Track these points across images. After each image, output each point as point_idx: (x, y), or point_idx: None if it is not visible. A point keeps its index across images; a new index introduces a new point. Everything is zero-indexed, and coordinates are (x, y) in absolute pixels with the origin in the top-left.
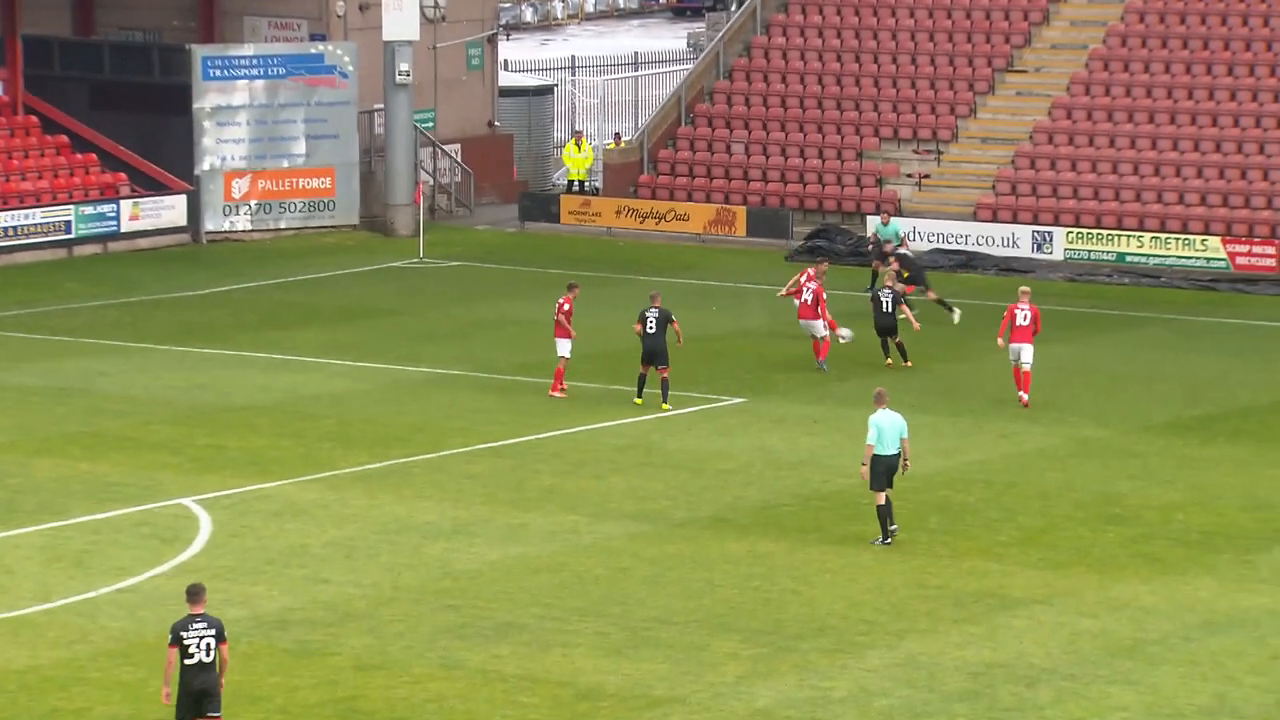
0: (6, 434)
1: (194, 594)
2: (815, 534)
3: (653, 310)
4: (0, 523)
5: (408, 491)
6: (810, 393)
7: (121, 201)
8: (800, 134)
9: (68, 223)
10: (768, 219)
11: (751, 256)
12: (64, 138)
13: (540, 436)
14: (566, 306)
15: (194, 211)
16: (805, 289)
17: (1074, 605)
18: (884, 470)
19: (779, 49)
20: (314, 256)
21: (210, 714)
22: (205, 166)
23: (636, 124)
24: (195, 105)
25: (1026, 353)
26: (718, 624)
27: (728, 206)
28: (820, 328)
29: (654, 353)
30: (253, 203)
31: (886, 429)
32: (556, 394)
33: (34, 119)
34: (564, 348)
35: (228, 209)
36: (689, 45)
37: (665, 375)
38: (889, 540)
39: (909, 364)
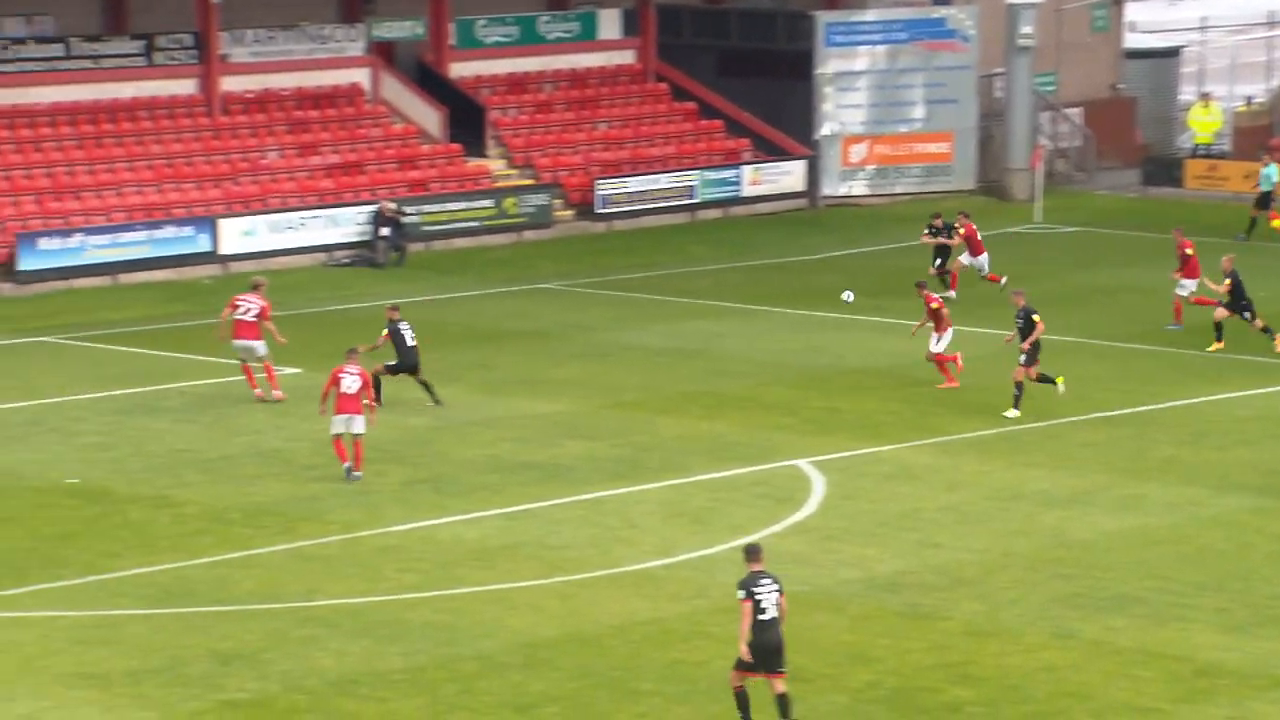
0: (633, 392)
1: (753, 552)
2: None
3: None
4: (626, 478)
5: (1020, 458)
6: None
7: (744, 167)
8: None
9: (692, 187)
10: None
11: None
12: (691, 104)
13: (1159, 406)
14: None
15: (812, 176)
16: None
17: None
18: None
19: None
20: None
21: (779, 671)
22: (825, 132)
23: (1269, 85)
24: (817, 71)
25: None
26: None
27: None
28: None
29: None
30: (870, 168)
31: None
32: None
33: (664, 86)
34: (944, 342)
35: (845, 174)
36: None
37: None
38: None
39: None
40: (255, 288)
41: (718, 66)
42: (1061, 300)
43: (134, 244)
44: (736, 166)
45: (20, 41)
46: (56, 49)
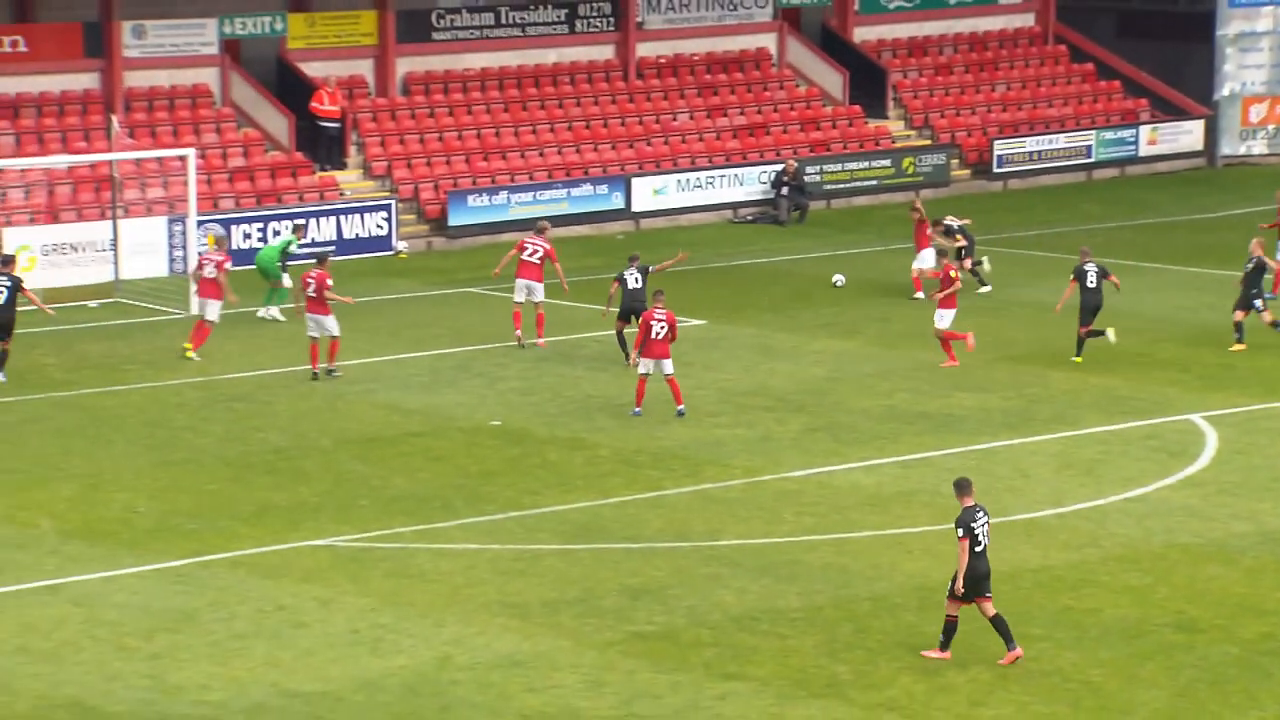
0: (1024, 346)
1: (964, 487)
2: None
3: (1090, 265)
4: (1017, 430)
5: None
6: None
7: (1141, 127)
8: None
9: (1088, 147)
10: None
11: None
12: (1090, 65)
13: None
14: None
15: (1211, 136)
16: None
17: None
18: None
19: None
20: None
21: (986, 595)
22: (1224, 92)
23: None
24: (1219, 32)
25: None
26: None
27: None
28: None
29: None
30: (1270, 127)
31: None
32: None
33: (1063, 48)
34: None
35: (1245, 134)
36: None
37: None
38: None
39: None
40: (540, 231)
41: (1117, 28)
42: None
43: (553, 201)
44: (1134, 126)
45: (455, 11)
46: (487, 18)
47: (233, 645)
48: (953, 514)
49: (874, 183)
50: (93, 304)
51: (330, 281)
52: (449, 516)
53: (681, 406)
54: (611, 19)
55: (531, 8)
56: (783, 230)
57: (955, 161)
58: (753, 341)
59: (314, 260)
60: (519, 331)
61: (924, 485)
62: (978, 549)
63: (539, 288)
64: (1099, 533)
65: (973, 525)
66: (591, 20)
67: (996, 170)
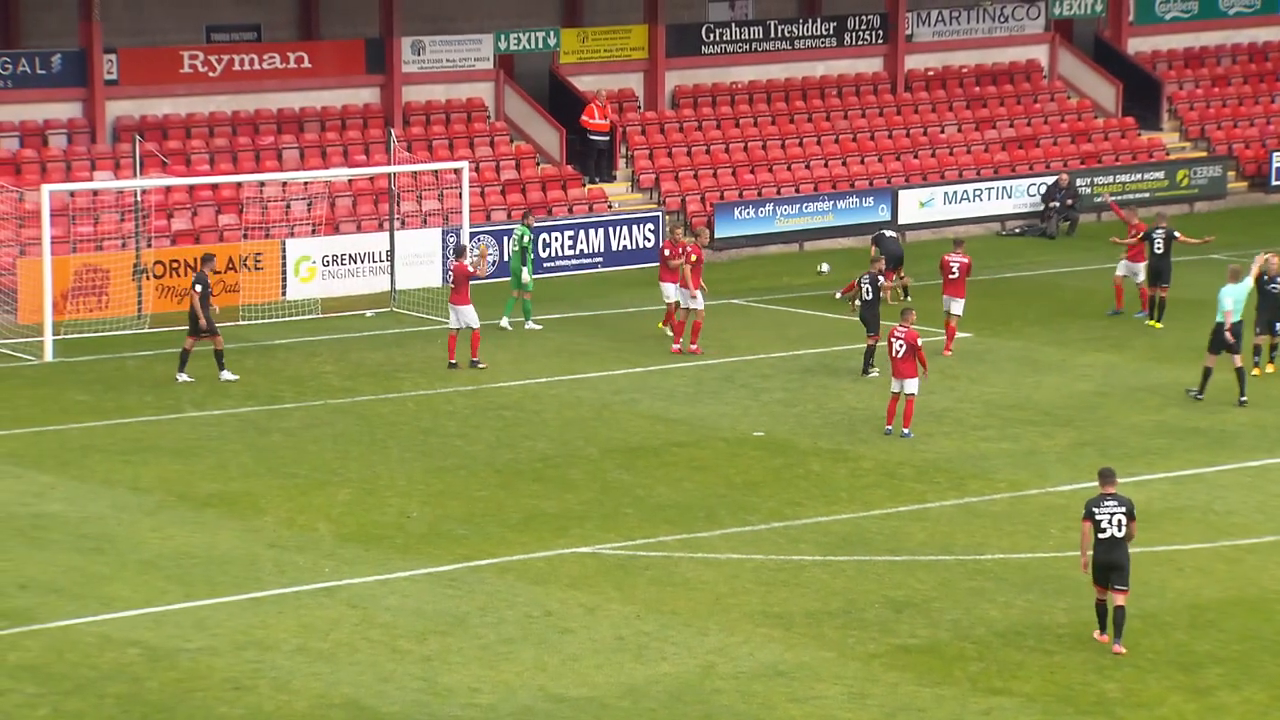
0: None
1: (1106, 476)
2: None
3: (1159, 230)
4: None
5: None
6: None
7: None
8: None
9: None
10: None
11: None
12: None
13: None
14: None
15: None
16: None
17: None
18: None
19: None
20: None
21: (1118, 587)
22: None
23: None
24: None
25: None
26: None
27: None
28: None
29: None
30: None
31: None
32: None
33: None
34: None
35: None
36: None
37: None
38: None
39: None
40: (696, 235)
41: None
42: None
43: (818, 214)
44: None
45: (724, 25)
46: (756, 31)
47: (501, 649)
48: (1225, 532)
49: (1146, 195)
50: (368, 313)
51: (472, 269)
52: (712, 526)
53: (907, 430)
54: (880, 32)
55: (800, 21)
56: (1051, 243)
57: (1232, 174)
58: (1019, 354)
59: (453, 253)
60: (689, 346)
61: (1195, 502)
62: (1102, 535)
63: (692, 297)
64: None
65: (1095, 511)
66: (860, 33)
67: (1275, 183)
